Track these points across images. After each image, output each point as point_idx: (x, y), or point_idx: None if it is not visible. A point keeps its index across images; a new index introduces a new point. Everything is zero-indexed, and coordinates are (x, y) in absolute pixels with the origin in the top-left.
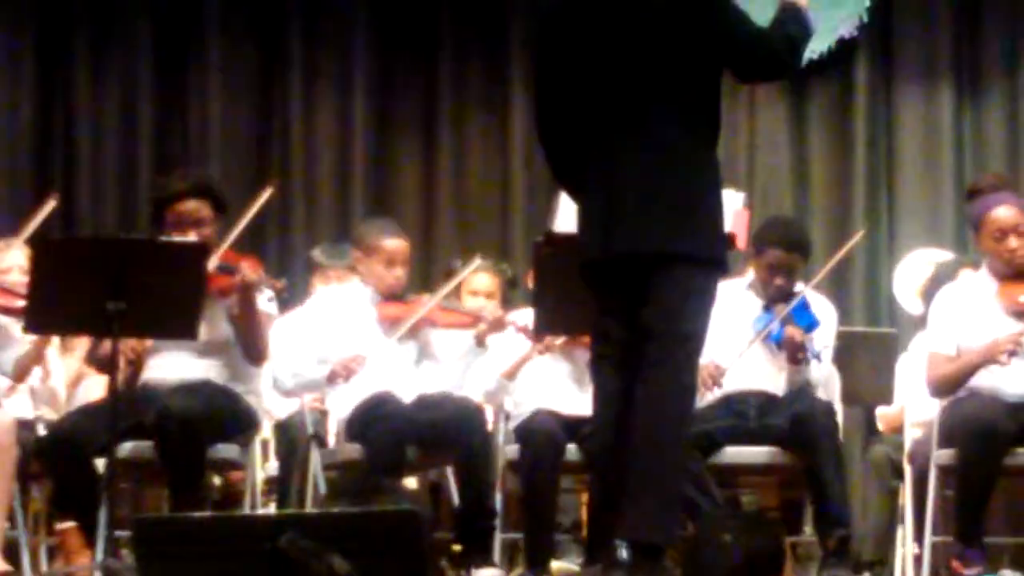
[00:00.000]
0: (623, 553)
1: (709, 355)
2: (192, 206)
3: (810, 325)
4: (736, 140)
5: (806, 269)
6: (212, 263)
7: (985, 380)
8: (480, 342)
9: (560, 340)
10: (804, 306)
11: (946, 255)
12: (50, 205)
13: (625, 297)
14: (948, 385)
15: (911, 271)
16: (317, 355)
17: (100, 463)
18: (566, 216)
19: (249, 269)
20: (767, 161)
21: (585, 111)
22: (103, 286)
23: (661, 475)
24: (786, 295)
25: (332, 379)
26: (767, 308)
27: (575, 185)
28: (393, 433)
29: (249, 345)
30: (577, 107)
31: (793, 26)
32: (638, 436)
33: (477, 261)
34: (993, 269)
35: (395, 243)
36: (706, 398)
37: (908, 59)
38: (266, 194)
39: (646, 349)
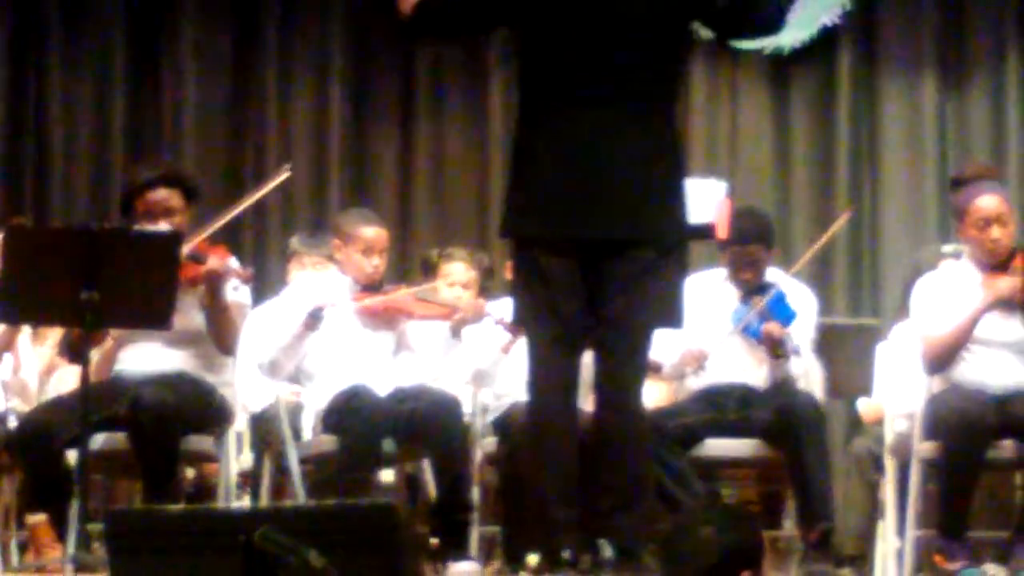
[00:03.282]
0: (608, 552)
1: (689, 345)
2: (162, 195)
3: (788, 318)
4: (718, 130)
5: (785, 256)
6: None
7: (969, 373)
8: (456, 332)
9: None
10: (780, 299)
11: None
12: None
13: (584, 278)
14: (948, 348)
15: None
16: None
17: (72, 455)
18: None
19: (216, 257)
20: (749, 151)
21: (563, 79)
22: (76, 275)
23: (647, 476)
24: (761, 287)
25: (310, 325)
26: (744, 301)
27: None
28: (369, 425)
29: (220, 334)
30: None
31: None
32: (626, 439)
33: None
34: (975, 259)
35: (374, 231)
36: (686, 386)
37: (892, 48)
38: (283, 175)
39: (615, 337)
